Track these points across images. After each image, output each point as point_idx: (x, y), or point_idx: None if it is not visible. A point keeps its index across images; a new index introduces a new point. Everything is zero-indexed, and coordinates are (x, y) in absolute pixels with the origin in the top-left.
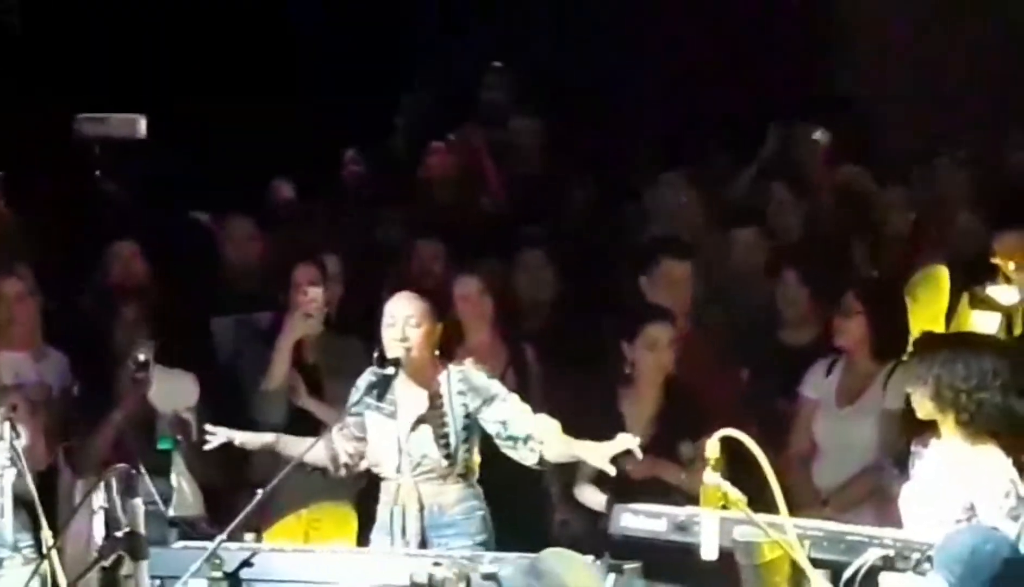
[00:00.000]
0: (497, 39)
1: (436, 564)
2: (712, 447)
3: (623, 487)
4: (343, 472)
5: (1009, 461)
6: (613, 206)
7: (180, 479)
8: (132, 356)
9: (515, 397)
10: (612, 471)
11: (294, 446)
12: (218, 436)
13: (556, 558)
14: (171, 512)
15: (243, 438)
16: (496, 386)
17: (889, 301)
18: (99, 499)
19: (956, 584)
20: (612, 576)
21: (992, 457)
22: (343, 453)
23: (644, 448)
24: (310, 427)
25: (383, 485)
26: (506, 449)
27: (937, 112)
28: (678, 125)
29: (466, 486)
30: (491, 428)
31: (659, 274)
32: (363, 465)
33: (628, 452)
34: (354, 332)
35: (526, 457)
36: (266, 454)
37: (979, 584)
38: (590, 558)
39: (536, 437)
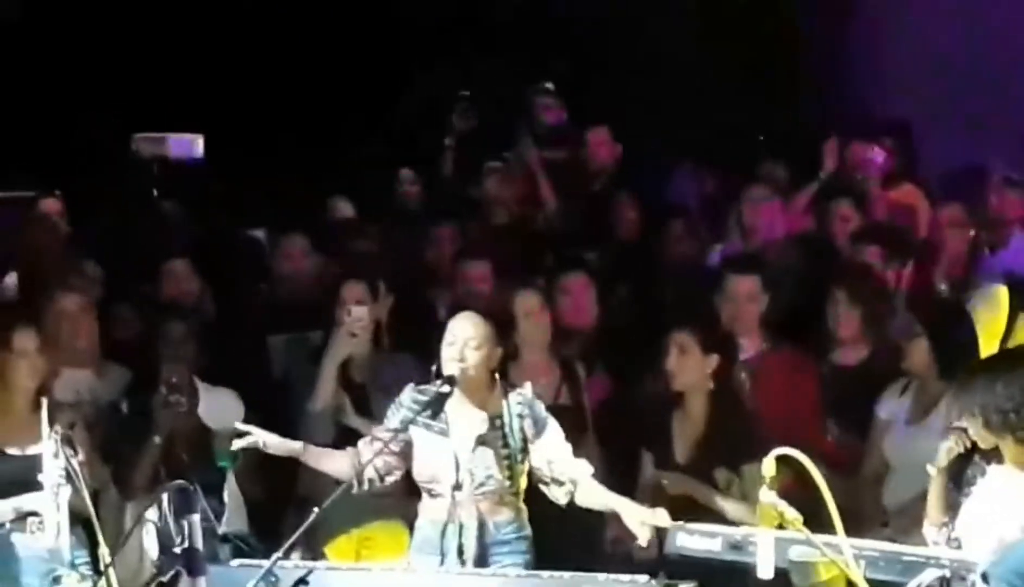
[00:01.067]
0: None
1: None
2: (768, 465)
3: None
4: (366, 487)
5: None
6: (661, 224)
7: (231, 498)
8: (164, 378)
9: (560, 432)
10: (644, 540)
11: (319, 457)
12: (250, 436)
13: None
14: (222, 529)
15: (272, 442)
16: (551, 421)
17: (952, 320)
18: (152, 516)
19: None
20: None
21: None
22: (371, 468)
23: (687, 469)
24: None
25: (431, 503)
26: (542, 485)
27: (990, 130)
28: (732, 141)
29: (517, 506)
30: (535, 461)
31: (727, 290)
32: (388, 481)
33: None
34: (404, 350)
35: (559, 497)
36: (313, 473)
37: None
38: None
39: (573, 480)
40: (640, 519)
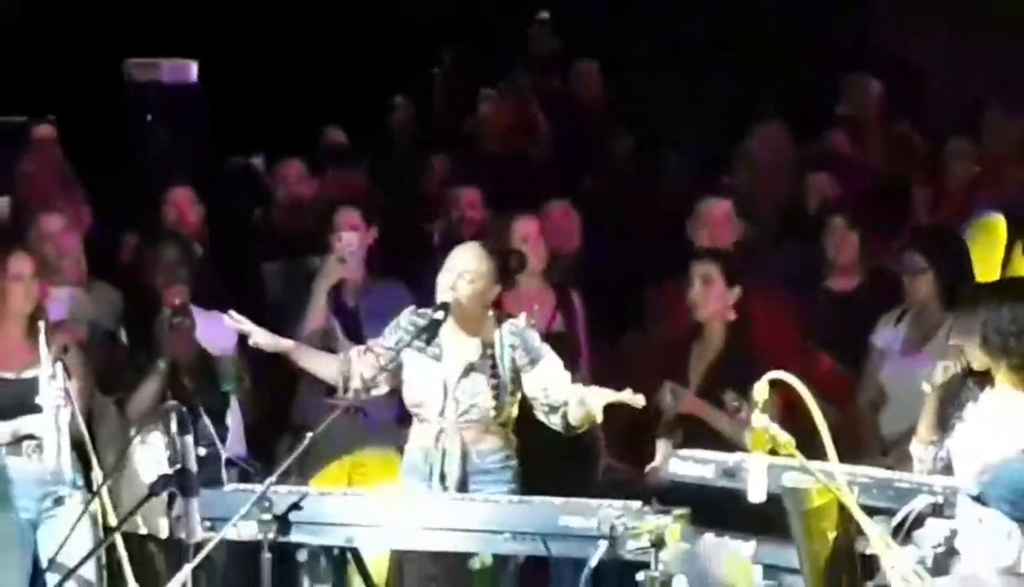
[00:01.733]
0: None
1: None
2: (760, 390)
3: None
4: (351, 395)
5: None
6: (656, 156)
7: (234, 421)
8: (167, 301)
9: (558, 362)
10: (598, 410)
11: (309, 357)
12: (241, 325)
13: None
14: (226, 453)
15: (264, 339)
16: (545, 349)
17: (952, 251)
18: (153, 439)
19: (1018, 516)
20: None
21: None
22: (357, 376)
23: (701, 393)
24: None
25: (419, 428)
26: (539, 414)
27: (987, 63)
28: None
29: (504, 435)
30: (531, 391)
31: (698, 214)
32: (372, 393)
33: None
34: (395, 276)
35: (556, 423)
36: (312, 397)
37: None
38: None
39: (568, 402)
40: (604, 397)
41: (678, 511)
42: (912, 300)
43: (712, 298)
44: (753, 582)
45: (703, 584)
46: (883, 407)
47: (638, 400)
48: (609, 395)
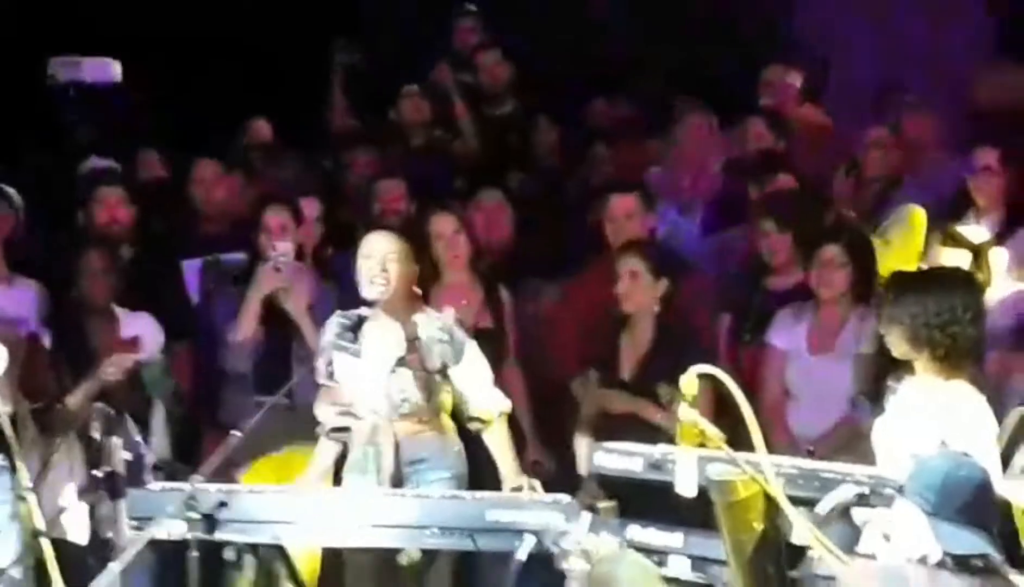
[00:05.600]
0: None
1: None
2: (689, 384)
3: (611, 430)
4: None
5: (983, 396)
6: (581, 150)
7: (157, 424)
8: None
9: (480, 366)
10: (521, 485)
11: (319, 475)
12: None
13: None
14: (151, 457)
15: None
16: (470, 350)
17: (867, 245)
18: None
19: (930, 511)
20: (587, 515)
21: (965, 391)
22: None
23: (632, 387)
24: (275, 376)
25: (355, 425)
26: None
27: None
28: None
29: (439, 423)
30: (453, 389)
31: (606, 209)
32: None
33: (612, 389)
34: (329, 276)
35: (470, 425)
36: (238, 397)
37: (953, 510)
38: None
39: (484, 419)
40: (513, 486)
41: (605, 504)
42: (827, 295)
43: (639, 291)
44: None
45: None
46: (791, 408)
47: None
48: (519, 481)
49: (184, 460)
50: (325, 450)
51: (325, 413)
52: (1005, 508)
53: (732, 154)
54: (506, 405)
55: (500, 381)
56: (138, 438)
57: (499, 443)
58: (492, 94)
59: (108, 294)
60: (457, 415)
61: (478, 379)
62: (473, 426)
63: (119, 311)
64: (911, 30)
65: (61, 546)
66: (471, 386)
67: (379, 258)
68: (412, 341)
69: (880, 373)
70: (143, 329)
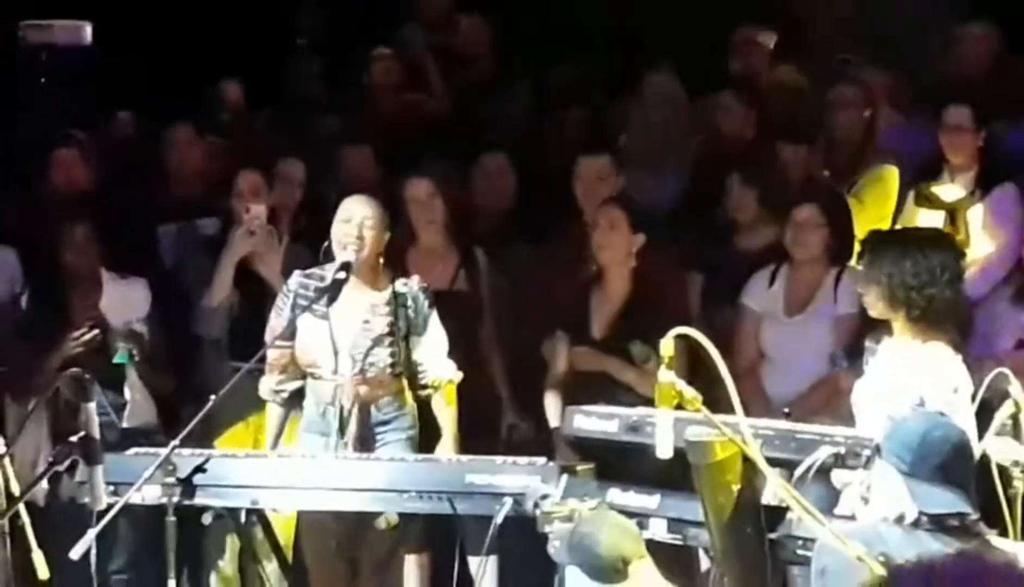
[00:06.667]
0: None
1: None
2: (667, 345)
3: (582, 390)
4: (286, 396)
5: (959, 358)
6: (557, 113)
7: (133, 391)
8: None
9: (437, 336)
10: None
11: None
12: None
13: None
14: (124, 424)
15: None
16: (432, 320)
17: (844, 206)
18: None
19: (906, 471)
20: (564, 478)
21: (941, 353)
22: (288, 382)
23: (603, 345)
24: (250, 341)
25: (314, 385)
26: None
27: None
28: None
29: (399, 385)
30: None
31: (577, 173)
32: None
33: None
34: (301, 240)
35: (421, 392)
36: (213, 362)
37: (929, 470)
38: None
39: (434, 386)
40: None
41: (583, 466)
42: (802, 256)
43: (617, 241)
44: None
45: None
46: (766, 370)
47: None
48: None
49: (166, 426)
50: (275, 415)
51: (271, 379)
52: (981, 467)
53: (701, 126)
54: (457, 375)
55: (476, 345)
56: (107, 405)
57: (445, 411)
58: (466, 57)
59: (92, 264)
60: (409, 379)
61: (436, 349)
62: (424, 393)
63: (107, 277)
64: None
65: (37, 511)
66: (429, 355)
67: (356, 222)
68: (377, 305)
69: (859, 334)
70: (131, 295)
